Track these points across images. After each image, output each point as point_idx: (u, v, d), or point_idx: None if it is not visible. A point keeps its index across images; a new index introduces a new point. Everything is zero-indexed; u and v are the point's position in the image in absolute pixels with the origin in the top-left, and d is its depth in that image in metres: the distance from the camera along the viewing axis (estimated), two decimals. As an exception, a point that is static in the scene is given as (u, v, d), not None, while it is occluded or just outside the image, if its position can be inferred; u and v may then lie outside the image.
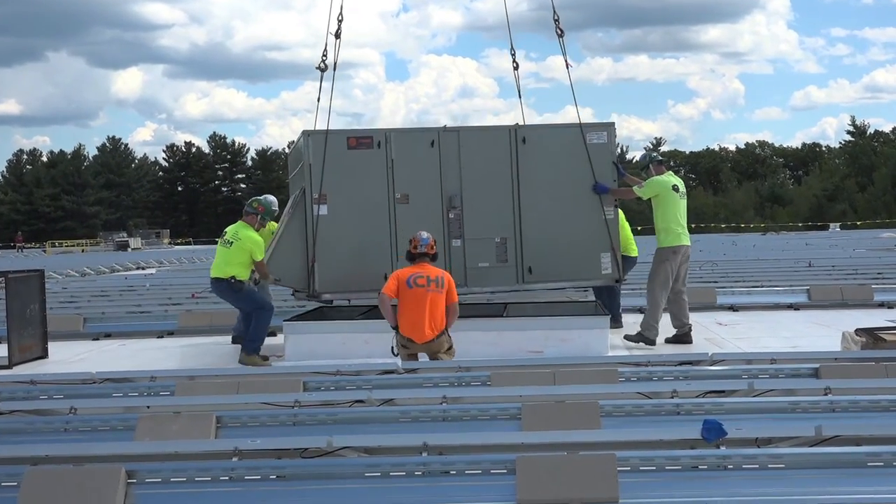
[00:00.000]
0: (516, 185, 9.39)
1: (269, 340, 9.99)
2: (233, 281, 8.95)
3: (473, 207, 9.36)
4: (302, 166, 9.34)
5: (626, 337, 9.24)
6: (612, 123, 9.64)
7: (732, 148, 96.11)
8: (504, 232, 9.39)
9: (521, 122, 9.77)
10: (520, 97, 10.22)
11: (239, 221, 9.35)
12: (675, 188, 9.33)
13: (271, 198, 9.97)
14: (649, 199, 9.46)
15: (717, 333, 10.16)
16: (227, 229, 9.33)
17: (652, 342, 9.07)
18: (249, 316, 9.22)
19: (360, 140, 9.29)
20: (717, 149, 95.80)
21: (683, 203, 9.43)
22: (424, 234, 7.48)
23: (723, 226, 63.65)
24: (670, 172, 9.55)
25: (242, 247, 9.00)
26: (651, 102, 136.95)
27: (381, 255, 9.22)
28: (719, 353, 6.89)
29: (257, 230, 9.29)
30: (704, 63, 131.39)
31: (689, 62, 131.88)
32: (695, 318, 11.05)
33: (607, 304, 10.30)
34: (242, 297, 9.05)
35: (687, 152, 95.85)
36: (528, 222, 9.41)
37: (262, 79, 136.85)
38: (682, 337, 9.31)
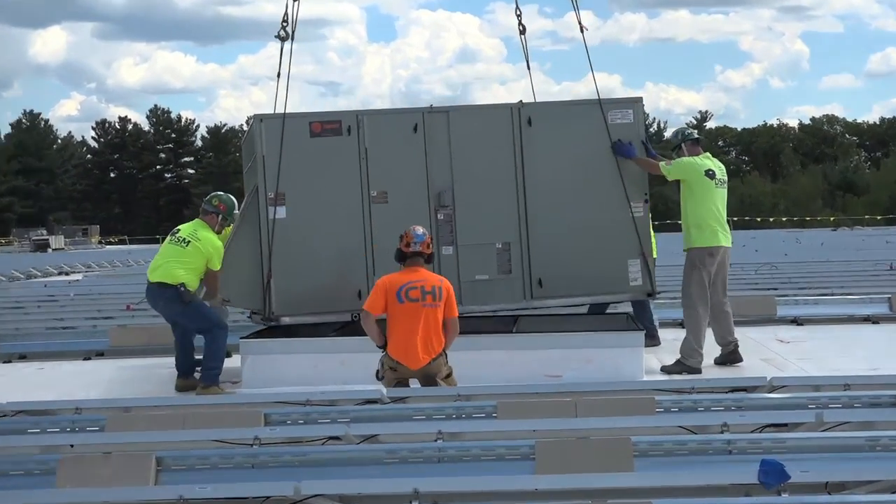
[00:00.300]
0: (521, 177, 9.40)
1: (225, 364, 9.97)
2: (182, 289, 8.85)
3: (468, 206, 9.36)
4: (255, 159, 9.36)
5: (665, 369, 9.19)
6: (640, 99, 9.64)
7: (794, 124, 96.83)
8: (507, 236, 9.39)
9: (531, 97, 9.81)
10: (528, 66, 10.22)
11: (196, 220, 9.36)
12: (710, 174, 9.28)
13: (233, 198, 9.95)
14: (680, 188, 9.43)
15: (776, 353, 10.16)
16: (179, 226, 9.33)
17: (696, 370, 9.05)
18: (186, 339, 9.14)
19: (326, 125, 9.30)
20: (775, 125, 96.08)
21: (722, 193, 9.37)
22: (419, 230, 7.47)
23: (783, 219, 63.81)
24: (707, 154, 9.51)
25: (201, 249, 8.96)
26: (694, 68, 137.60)
27: (353, 267, 9.25)
28: (780, 376, 6.89)
29: (218, 232, 9.27)
30: (759, 20, 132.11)
31: (740, 18, 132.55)
32: (749, 334, 11.06)
33: (637, 317, 10.31)
34: (192, 311, 8.95)
35: (739, 129, 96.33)
36: (536, 223, 9.40)
37: (215, 40, 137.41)
38: (729, 356, 9.32)
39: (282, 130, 9.14)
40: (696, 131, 9.91)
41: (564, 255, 9.40)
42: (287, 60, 9.13)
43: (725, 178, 9.46)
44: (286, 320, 9.30)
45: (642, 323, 10.20)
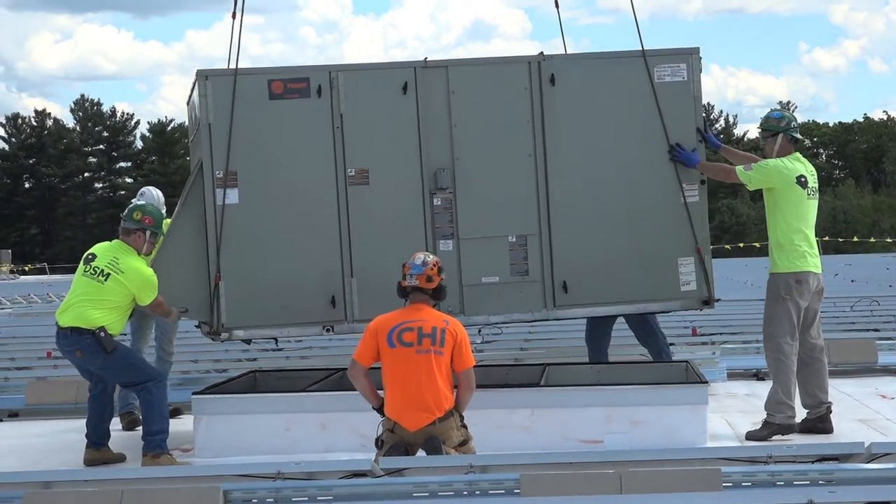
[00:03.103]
0: (541, 151, 9.36)
1: (171, 427, 9.98)
2: (102, 335, 8.78)
3: (473, 189, 9.35)
4: (199, 128, 9.35)
5: (751, 435, 9.12)
6: (696, 50, 9.56)
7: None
8: (522, 227, 9.37)
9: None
10: (563, 38, 10.17)
11: (116, 241, 9.18)
12: (802, 181, 9.17)
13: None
14: (760, 193, 9.42)
15: (877, 411, 10.17)
16: (94, 249, 9.14)
17: (789, 428, 8.97)
18: (106, 396, 9.10)
19: (290, 84, 9.27)
20: (877, 119, 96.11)
21: (813, 206, 9.30)
22: (420, 257, 7.48)
23: (888, 240, 63.76)
24: (797, 155, 9.34)
25: (125, 284, 8.83)
26: (772, 47, 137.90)
27: (324, 267, 9.23)
28: (881, 442, 6.88)
29: (147, 253, 9.11)
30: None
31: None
32: (843, 388, 11.06)
33: (640, 336, 10.48)
34: (117, 361, 8.87)
35: (830, 124, 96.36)
36: (561, 211, 9.36)
37: (156, 10, 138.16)
38: (819, 422, 9.20)
39: (233, 91, 9.11)
40: (799, 128, 9.58)
41: (596, 251, 9.39)
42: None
43: (816, 185, 9.36)
44: (239, 334, 9.31)
45: (654, 348, 10.40)
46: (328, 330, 9.29)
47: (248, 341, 9.76)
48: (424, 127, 9.31)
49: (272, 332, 9.52)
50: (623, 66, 9.51)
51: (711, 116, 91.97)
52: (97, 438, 9.10)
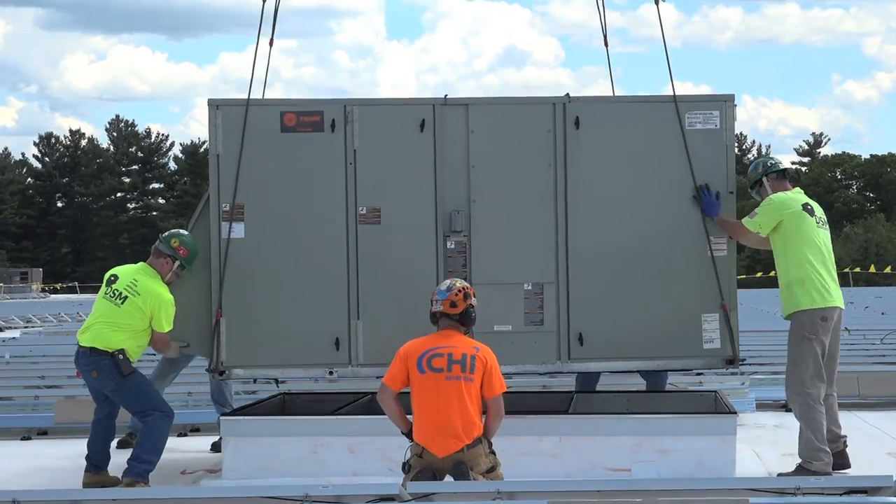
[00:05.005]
0: (562, 196, 9.17)
1: (199, 448, 10.03)
2: (120, 358, 8.81)
3: (489, 233, 9.19)
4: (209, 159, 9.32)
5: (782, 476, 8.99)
6: (731, 97, 9.26)
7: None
8: (539, 274, 9.19)
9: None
10: (611, 78, 10.06)
11: (140, 264, 9.21)
12: (808, 209, 8.96)
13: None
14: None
15: (907, 445, 10.12)
16: (116, 270, 9.18)
17: (826, 474, 8.75)
18: (111, 422, 9.11)
19: (303, 117, 9.18)
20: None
21: (825, 235, 9.06)
22: (446, 283, 7.53)
23: (919, 273, 63.27)
24: (798, 189, 9.16)
25: (141, 307, 8.85)
26: (804, 78, 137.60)
27: (331, 306, 9.16)
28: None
29: (168, 283, 9.07)
30: (889, 17, 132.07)
31: (864, 15, 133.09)
32: (873, 421, 10.99)
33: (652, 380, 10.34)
34: (130, 387, 8.87)
35: (863, 157, 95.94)
36: (580, 259, 9.17)
37: (190, 32, 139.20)
38: (836, 458, 8.92)
39: (244, 122, 9.09)
40: (779, 161, 9.37)
41: (616, 304, 9.15)
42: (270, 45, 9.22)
43: (825, 218, 9.15)
44: (239, 373, 9.29)
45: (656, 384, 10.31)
46: (331, 372, 9.20)
47: (253, 380, 9.70)
48: (441, 166, 9.13)
49: (273, 373, 9.38)
50: (652, 111, 9.30)
51: (744, 146, 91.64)
52: (97, 462, 9.08)
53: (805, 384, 8.77)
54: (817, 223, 8.91)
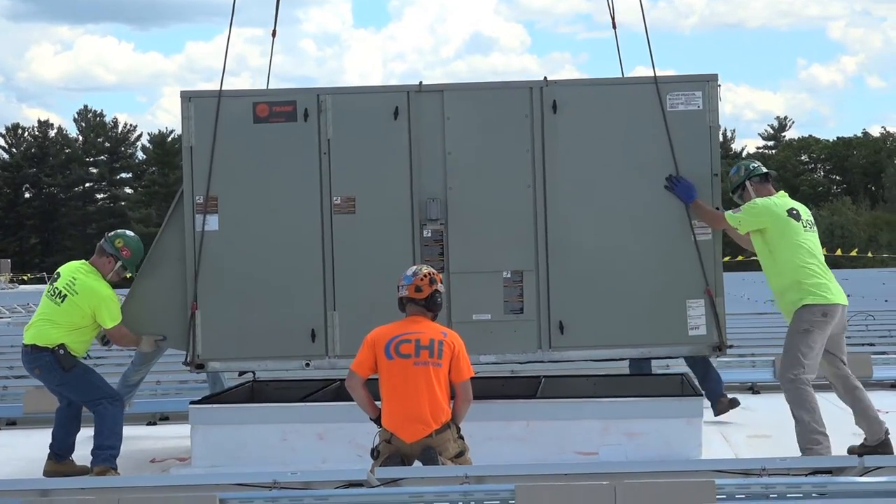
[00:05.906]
0: (541, 182, 9.09)
1: (168, 436, 10.01)
2: (60, 353, 8.84)
3: (466, 221, 9.14)
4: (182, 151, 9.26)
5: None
6: (714, 77, 9.09)
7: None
8: (518, 262, 9.11)
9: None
10: (620, 62, 9.80)
11: (82, 261, 9.26)
12: (794, 213, 8.75)
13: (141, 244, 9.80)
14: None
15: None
16: (61, 268, 9.20)
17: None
18: (72, 411, 9.13)
19: (276, 107, 9.14)
20: (876, 135, 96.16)
21: (814, 237, 8.83)
22: (412, 268, 7.52)
23: (885, 255, 63.74)
24: (783, 193, 8.97)
25: (79, 305, 8.89)
26: (769, 62, 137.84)
27: (306, 297, 9.14)
28: (875, 456, 6.88)
29: (110, 281, 9.11)
30: (853, 1, 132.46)
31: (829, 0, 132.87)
32: (838, 402, 11.05)
33: (700, 375, 10.13)
34: (74, 379, 8.93)
35: (829, 140, 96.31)
36: (560, 246, 9.09)
37: (156, 22, 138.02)
38: (879, 448, 8.50)
39: (216, 113, 9.05)
40: (761, 165, 9.18)
41: (597, 290, 9.04)
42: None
43: (812, 220, 8.93)
44: (215, 366, 9.26)
45: (704, 381, 10.03)
46: (307, 365, 9.16)
47: (244, 373, 9.63)
48: (416, 154, 9.10)
49: (250, 366, 9.35)
50: (632, 93, 9.18)
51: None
52: (59, 450, 9.13)
53: (801, 375, 8.46)
54: (804, 227, 8.72)
